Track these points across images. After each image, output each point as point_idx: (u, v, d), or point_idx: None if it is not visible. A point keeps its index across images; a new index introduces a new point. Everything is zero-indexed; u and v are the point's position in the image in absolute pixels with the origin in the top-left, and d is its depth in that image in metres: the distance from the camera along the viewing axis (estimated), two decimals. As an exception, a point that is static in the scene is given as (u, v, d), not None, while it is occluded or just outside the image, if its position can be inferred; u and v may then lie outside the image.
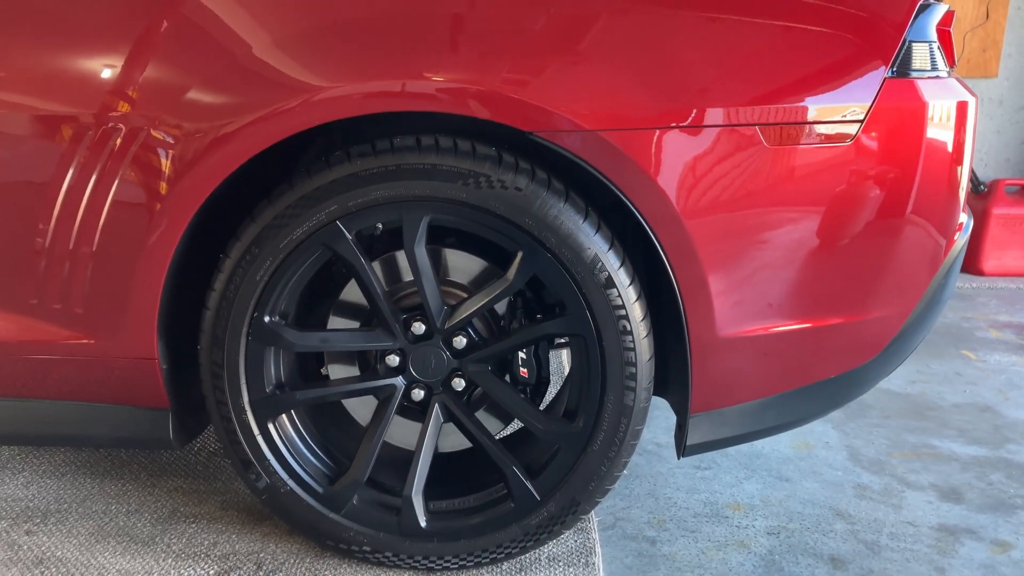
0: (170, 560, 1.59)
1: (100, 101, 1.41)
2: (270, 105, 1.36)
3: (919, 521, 1.80)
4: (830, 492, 1.91)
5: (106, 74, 1.40)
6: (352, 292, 1.59)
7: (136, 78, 1.40)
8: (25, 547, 1.63)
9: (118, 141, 1.41)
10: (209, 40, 1.38)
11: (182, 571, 1.56)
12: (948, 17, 1.56)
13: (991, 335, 2.99)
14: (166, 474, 1.90)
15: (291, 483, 1.54)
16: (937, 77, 1.50)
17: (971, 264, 3.75)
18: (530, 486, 1.52)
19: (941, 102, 1.48)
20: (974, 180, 3.72)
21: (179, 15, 1.40)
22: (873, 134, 1.43)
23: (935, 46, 1.50)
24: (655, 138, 1.37)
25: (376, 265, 1.56)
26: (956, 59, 1.63)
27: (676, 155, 1.38)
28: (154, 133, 1.40)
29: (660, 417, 2.19)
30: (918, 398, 2.44)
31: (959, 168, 1.55)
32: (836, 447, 2.12)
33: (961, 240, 1.66)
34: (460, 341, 1.52)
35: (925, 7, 1.48)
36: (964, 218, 1.68)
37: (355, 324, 1.61)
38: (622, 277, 1.44)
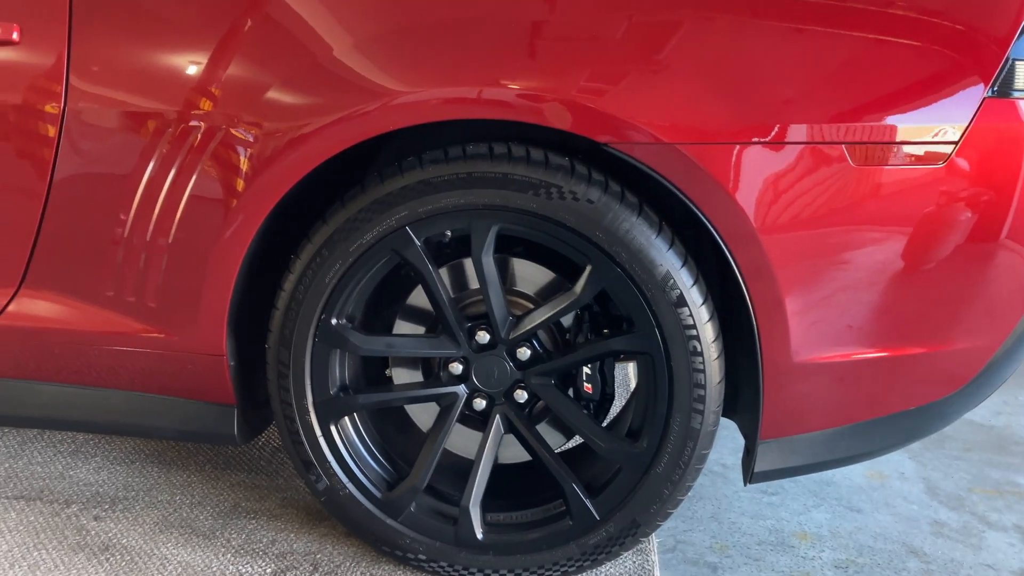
0: (229, 555, 1.61)
1: (184, 98, 1.43)
2: (349, 108, 1.36)
3: (999, 565, 1.71)
4: (904, 527, 1.83)
5: (191, 71, 1.42)
6: (419, 297, 1.58)
7: (219, 76, 1.42)
8: (93, 532, 1.66)
9: (198, 137, 1.42)
10: (292, 41, 1.39)
11: (240, 568, 1.57)
12: (1057, 34, 1.47)
13: (1085, 367, 2.83)
14: (230, 468, 1.92)
15: (350, 486, 1.54)
16: (1041, 98, 1.41)
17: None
18: (590, 504, 1.49)
19: (1044, 124, 1.39)
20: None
21: (263, 15, 1.41)
22: (969, 156, 1.35)
23: (1040, 65, 1.41)
24: (735, 153, 1.33)
25: (443, 272, 1.55)
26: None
27: (756, 171, 1.33)
28: (234, 131, 1.41)
29: (728, 437, 2.13)
30: (1003, 431, 2.32)
31: (1062, 196, 1.46)
32: (912, 479, 2.03)
33: (1060, 269, 1.56)
34: (524, 353, 1.50)
35: (1031, 24, 1.40)
36: (1064, 247, 1.58)
37: (421, 329, 1.61)
38: (695, 296, 1.39)
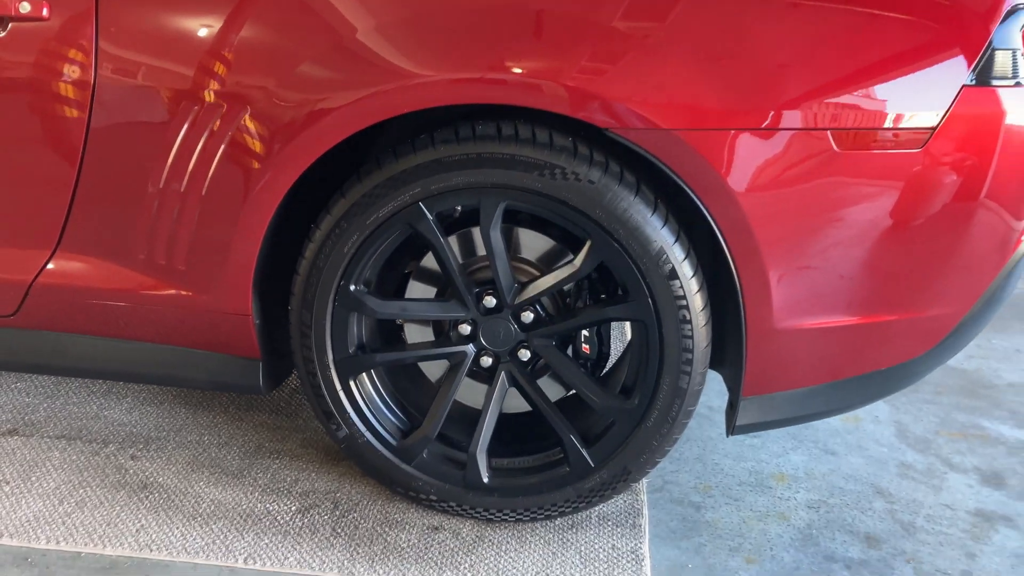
0: (257, 494, 1.77)
1: (211, 69, 1.51)
2: (372, 87, 1.44)
3: (957, 504, 1.88)
4: (873, 469, 1.99)
5: (220, 41, 1.49)
6: (431, 260, 1.69)
7: (250, 46, 1.50)
8: (131, 471, 1.82)
9: (229, 108, 1.51)
10: (323, 21, 1.46)
11: (268, 506, 1.73)
12: (1036, 22, 1.54)
13: (1059, 310, 2.98)
14: (252, 409, 2.07)
15: (368, 435, 1.69)
16: (1018, 85, 1.50)
17: (1049, 230, 3.67)
18: (585, 453, 1.64)
19: (1018, 111, 1.49)
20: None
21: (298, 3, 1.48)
22: (946, 141, 1.45)
23: (1019, 53, 1.49)
24: (728, 139, 1.43)
25: (453, 240, 1.66)
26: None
27: (747, 156, 1.44)
28: (263, 103, 1.49)
29: (715, 381, 2.27)
30: (974, 374, 2.48)
31: (1031, 178, 1.56)
32: (885, 422, 2.19)
33: (1025, 244, 1.67)
34: (528, 316, 1.63)
35: (1012, 13, 1.47)
36: (1033, 221, 1.69)
37: (433, 289, 1.73)
38: (686, 269, 1.51)
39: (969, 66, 1.44)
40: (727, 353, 1.69)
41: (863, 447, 2.07)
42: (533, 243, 1.68)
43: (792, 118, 1.42)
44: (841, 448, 2.07)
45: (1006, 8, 1.46)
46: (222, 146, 1.53)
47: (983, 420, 2.23)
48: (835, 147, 1.44)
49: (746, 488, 1.90)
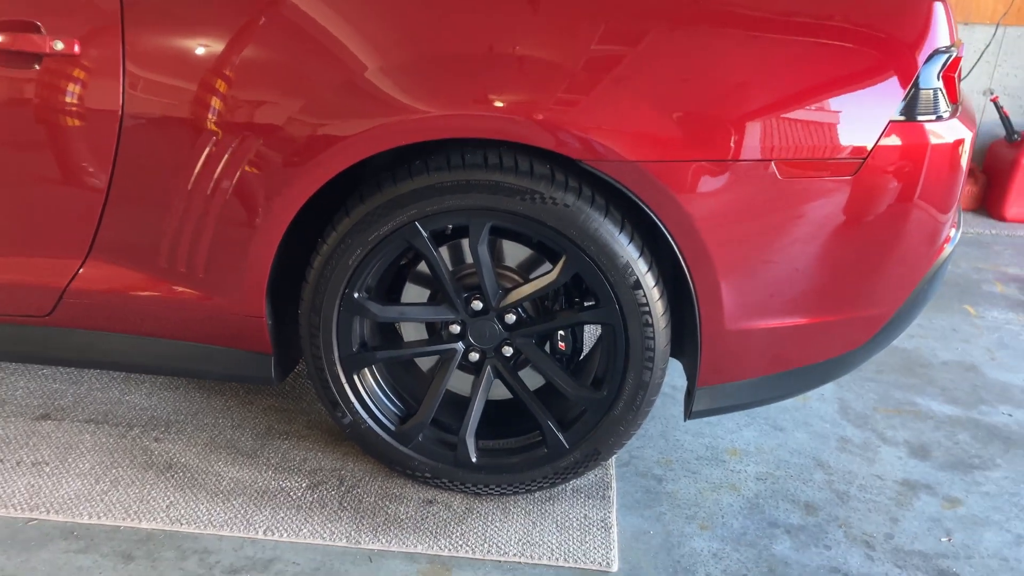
0: (270, 472, 2.00)
1: (228, 100, 1.69)
2: (378, 119, 1.63)
3: (886, 475, 2.14)
4: (816, 443, 2.25)
5: (236, 75, 1.67)
6: (425, 266, 1.90)
7: (266, 80, 1.67)
8: (156, 452, 2.04)
9: (248, 134, 1.69)
10: (336, 61, 1.64)
11: (281, 483, 1.96)
12: (955, 63, 1.75)
13: (996, 289, 3.24)
14: (261, 393, 2.29)
15: (369, 421, 1.92)
16: (939, 119, 1.72)
17: (995, 210, 3.93)
18: (561, 437, 1.88)
19: (939, 142, 1.71)
20: (1008, 129, 3.85)
21: (314, 41, 1.65)
22: (875, 168, 1.67)
23: (939, 91, 1.71)
24: (685, 169, 1.64)
25: (444, 250, 1.87)
26: (959, 98, 1.83)
27: (702, 184, 1.65)
28: (281, 131, 1.67)
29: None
30: (913, 353, 2.74)
31: (951, 197, 1.79)
32: (829, 399, 2.45)
33: (946, 251, 1.90)
34: (510, 318, 1.85)
35: (932, 56, 1.68)
36: (952, 232, 1.92)
37: (427, 292, 1.95)
38: (648, 280, 1.73)
39: (896, 104, 1.66)
40: (685, 347, 1.92)
41: (808, 423, 2.33)
42: (515, 253, 1.90)
43: (740, 151, 1.63)
44: (789, 424, 2.32)
45: (927, 53, 1.67)
46: (241, 168, 1.72)
47: (917, 397, 2.49)
48: (778, 175, 1.65)
49: (703, 462, 2.15)
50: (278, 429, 2.15)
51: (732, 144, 1.63)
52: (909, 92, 1.67)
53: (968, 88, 3.94)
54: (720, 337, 1.80)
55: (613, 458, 2.10)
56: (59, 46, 1.70)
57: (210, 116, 1.70)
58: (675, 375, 2.49)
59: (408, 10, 1.65)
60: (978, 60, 3.84)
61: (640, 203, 1.67)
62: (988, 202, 3.97)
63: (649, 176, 1.64)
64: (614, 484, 2.03)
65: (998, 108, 3.83)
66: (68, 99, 1.73)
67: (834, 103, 1.64)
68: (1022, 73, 3.89)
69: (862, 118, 1.66)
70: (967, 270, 3.40)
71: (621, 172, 1.64)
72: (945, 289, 3.20)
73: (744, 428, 2.29)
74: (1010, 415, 2.42)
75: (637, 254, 1.72)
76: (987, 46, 3.81)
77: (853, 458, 2.20)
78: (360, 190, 1.77)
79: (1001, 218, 3.91)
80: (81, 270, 1.88)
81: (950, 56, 1.73)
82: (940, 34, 1.69)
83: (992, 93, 3.91)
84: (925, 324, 2.92)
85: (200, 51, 1.69)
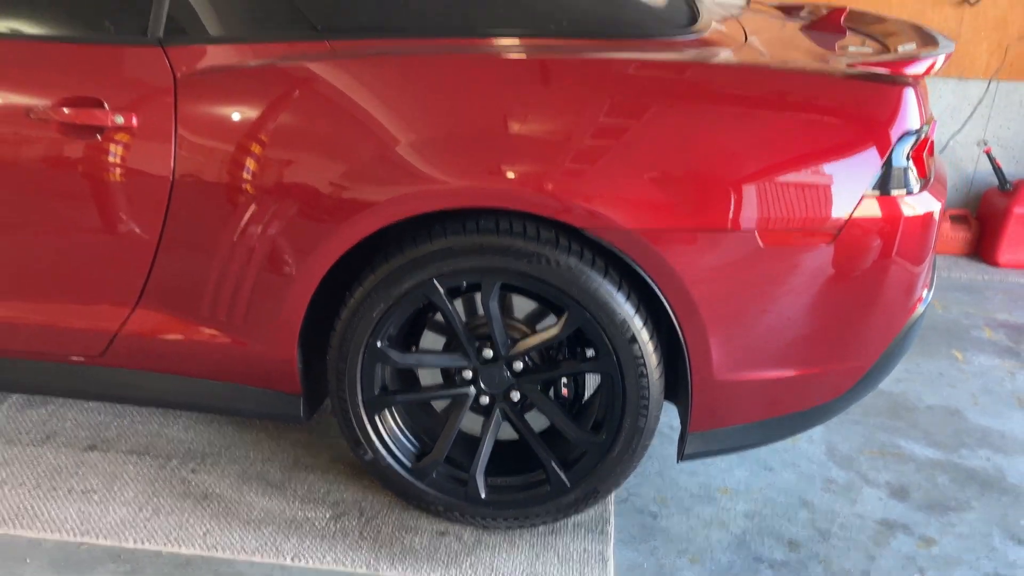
0: (296, 503, 2.18)
1: (274, 166, 1.88)
2: (406, 188, 1.82)
3: (867, 514, 2.30)
4: (803, 483, 2.41)
5: (276, 144, 1.87)
6: (440, 316, 2.09)
7: (305, 151, 1.87)
8: (193, 483, 2.23)
9: (287, 198, 1.88)
10: (370, 135, 1.84)
11: (307, 513, 2.15)
12: (923, 144, 1.93)
13: (985, 335, 3.39)
14: (289, 427, 2.48)
15: (388, 459, 2.10)
16: (909, 193, 1.90)
17: (989, 255, 4.08)
18: (563, 476, 2.05)
19: (910, 213, 1.89)
20: (1001, 178, 4.01)
21: (353, 118, 1.85)
22: (851, 237, 1.85)
23: (908, 169, 1.89)
24: (675, 236, 1.82)
25: (458, 302, 2.06)
26: (928, 173, 2.01)
27: (692, 250, 1.83)
28: (317, 196, 1.86)
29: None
30: (899, 397, 2.90)
31: (922, 262, 1.97)
32: (817, 441, 2.61)
33: (919, 310, 2.07)
34: (518, 365, 2.03)
35: (902, 137, 1.86)
36: (925, 293, 2.09)
37: (442, 339, 2.13)
38: (644, 335, 1.91)
39: (869, 180, 1.84)
40: (680, 393, 2.09)
41: (796, 464, 2.49)
42: (523, 306, 2.08)
43: (725, 221, 1.81)
44: (778, 465, 2.48)
45: (898, 134, 1.85)
46: (281, 226, 1.91)
47: (901, 440, 2.65)
48: (760, 243, 1.84)
49: (696, 499, 2.32)
50: (305, 462, 2.34)
51: (718, 214, 1.81)
52: (881, 169, 1.85)
53: (963, 139, 4.12)
54: (710, 387, 1.97)
55: (612, 495, 2.27)
56: (119, 120, 1.91)
57: (254, 179, 1.89)
58: (673, 415, 2.65)
59: (432, 92, 1.85)
60: (972, 113, 4.02)
61: (635, 266, 1.86)
62: (982, 248, 4.13)
63: (643, 242, 1.82)
64: (612, 520, 2.20)
65: (991, 159, 4.00)
66: (125, 163, 1.93)
67: (812, 178, 1.83)
68: (1015, 125, 4.07)
69: (838, 192, 1.84)
70: (958, 315, 3.56)
71: (618, 238, 1.83)
72: (934, 334, 3.36)
73: (736, 468, 2.46)
74: (988, 459, 2.57)
75: (633, 311, 1.90)
76: (980, 100, 3.99)
77: (836, 498, 2.36)
78: (385, 250, 1.96)
79: (994, 263, 4.07)
80: (131, 316, 2.08)
81: (919, 137, 1.91)
82: (910, 117, 1.87)
83: (986, 144, 4.08)
84: (912, 369, 3.08)
85: (246, 120, 1.89)
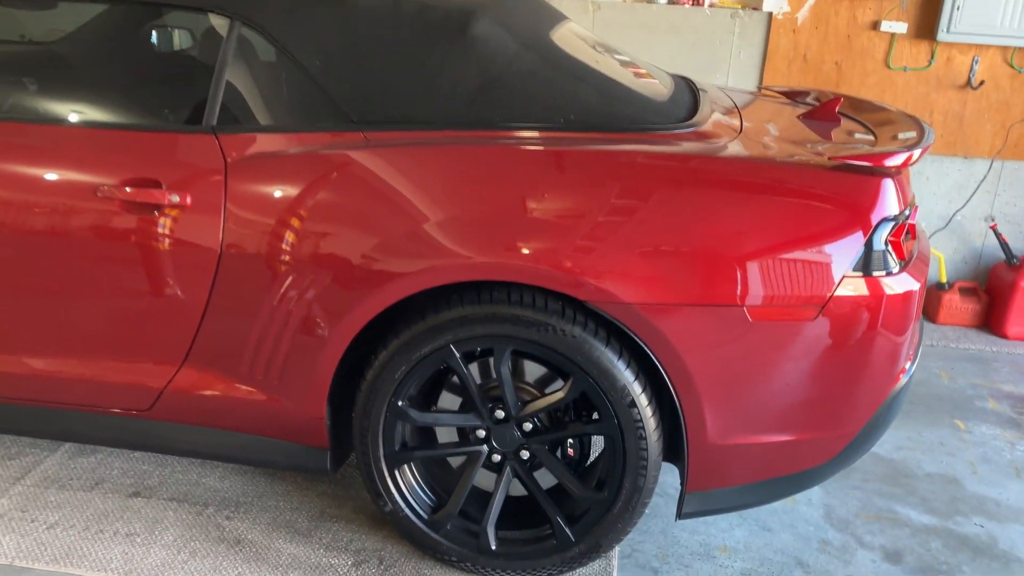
0: (321, 550, 2.35)
1: (310, 240, 2.10)
2: (431, 261, 2.03)
3: (859, 576, 2.42)
4: (799, 544, 2.53)
5: (311, 221, 2.09)
6: (456, 378, 2.28)
7: (339, 228, 2.08)
8: (227, 529, 2.41)
9: (321, 269, 2.09)
10: (400, 214, 2.06)
11: (331, 560, 2.31)
12: (900, 229, 2.10)
13: (988, 406, 3.50)
14: (316, 480, 2.66)
15: (407, 511, 2.27)
16: (888, 274, 2.06)
17: (997, 328, 4.19)
18: (568, 531, 2.21)
19: (889, 292, 2.05)
20: (1007, 253, 4.15)
21: (385, 199, 2.07)
22: (832, 315, 2.02)
23: (887, 252, 2.06)
24: (671, 310, 2.00)
25: (473, 366, 2.24)
26: (908, 255, 2.17)
27: (687, 323, 2.01)
28: (349, 267, 2.07)
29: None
30: (899, 464, 3.01)
31: (902, 337, 2.12)
32: (816, 504, 2.73)
33: (903, 381, 2.22)
34: (528, 426, 2.20)
35: (880, 223, 2.04)
36: (908, 365, 2.24)
37: (459, 399, 2.32)
38: (642, 400, 2.08)
39: (850, 262, 2.01)
40: (679, 451, 2.25)
41: (794, 525, 2.62)
42: (533, 370, 2.26)
43: (718, 297, 1.99)
44: (776, 525, 2.61)
45: (876, 220, 2.03)
46: (316, 293, 2.12)
47: (897, 505, 2.77)
48: (749, 317, 2.01)
49: (695, 557, 2.45)
50: (330, 512, 2.51)
51: (710, 291, 1.99)
52: (862, 252, 2.03)
53: (970, 214, 4.27)
54: (705, 449, 2.13)
55: (616, 549, 2.42)
56: (175, 199, 2.15)
57: (294, 251, 2.11)
58: (674, 476, 2.79)
59: (455, 177, 2.07)
60: (976, 190, 4.18)
61: (635, 336, 2.03)
62: (991, 320, 4.24)
63: (642, 315, 2.00)
64: (616, 574, 2.34)
65: (997, 234, 4.14)
66: (178, 237, 2.16)
67: (797, 260, 2.00)
68: (1020, 202, 4.21)
69: (821, 272, 2.01)
70: (963, 386, 3.67)
71: (619, 311, 2.01)
72: (939, 403, 3.47)
73: (736, 527, 2.59)
74: (982, 526, 2.68)
75: (632, 378, 2.07)
76: (984, 178, 4.15)
77: (831, 559, 2.48)
78: (406, 317, 2.16)
79: (1003, 335, 4.17)
80: (177, 374, 2.29)
81: (897, 222, 2.08)
82: (888, 205, 2.05)
83: (992, 220, 4.23)
84: (914, 437, 3.19)
85: (288, 200, 2.12)
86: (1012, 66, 4.00)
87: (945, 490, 2.87)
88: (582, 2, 4.19)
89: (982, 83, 4.03)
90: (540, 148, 2.10)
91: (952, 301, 4.26)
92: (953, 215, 4.26)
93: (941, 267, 4.28)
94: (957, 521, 2.70)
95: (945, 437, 3.22)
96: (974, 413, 3.43)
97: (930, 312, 4.34)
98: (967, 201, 4.22)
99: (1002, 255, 4.24)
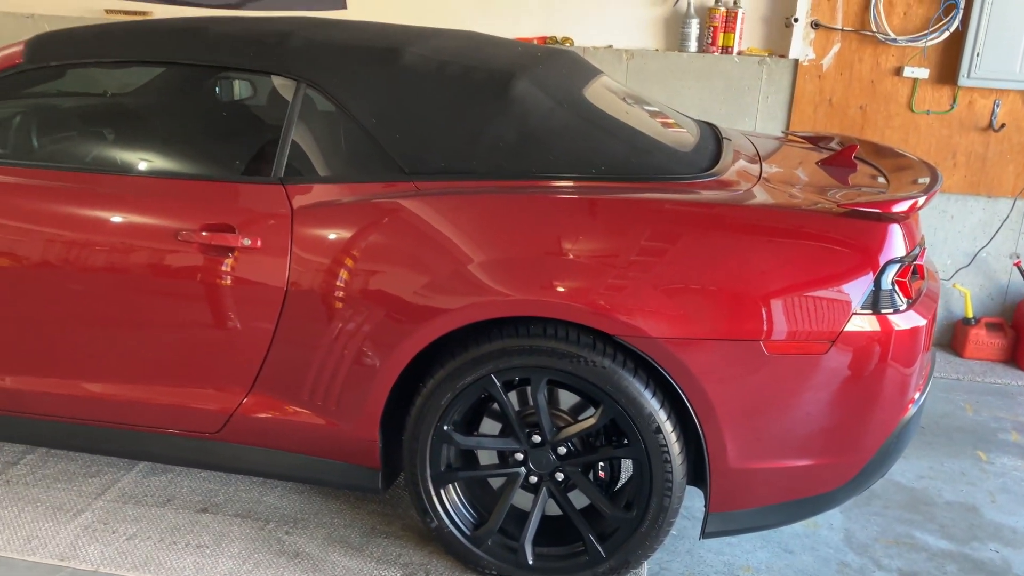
0: (373, 563, 2.56)
1: (367, 278, 2.34)
2: (474, 298, 2.25)
3: (876, 596, 2.56)
4: (819, 565, 2.68)
5: (365, 261, 2.33)
6: (496, 405, 2.49)
7: (393, 267, 2.32)
8: (287, 543, 2.64)
9: (377, 305, 2.33)
10: (445, 255, 2.29)
11: (382, 572, 2.52)
12: (906, 269, 2.28)
13: (1011, 438, 3.61)
14: (366, 499, 2.88)
15: (451, 527, 2.47)
16: (895, 311, 2.24)
17: (1023, 362, 4.30)
18: (599, 547, 2.39)
19: (895, 329, 2.23)
20: (1032, 291, 4.26)
21: (433, 242, 2.31)
22: (843, 349, 2.20)
23: (894, 291, 2.24)
24: (693, 344, 2.19)
25: (512, 394, 2.46)
26: (915, 293, 2.34)
27: (708, 356, 2.20)
28: (402, 303, 2.30)
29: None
30: (920, 493, 3.14)
31: (910, 369, 2.29)
32: (837, 528, 2.88)
33: (912, 410, 2.38)
34: (562, 450, 2.40)
35: (887, 265, 2.22)
36: (917, 395, 2.40)
37: (498, 424, 2.53)
38: (667, 427, 2.27)
39: (859, 300, 2.19)
40: (702, 478, 2.42)
41: (815, 548, 2.77)
42: (566, 398, 2.47)
43: (736, 333, 2.19)
44: (798, 548, 2.76)
45: (884, 262, 2.21)
46: (371, 327, 2.36)
47: (916, 531, 2.90)
48: (766, 352, 2.20)
49: (721, 575, 2.62)
50: (380, 529, 2.72)
51: (729, 327, 2.18)
52: (870, 290, 2.21)
53: (995, 252, 4.40)
54: (726, 473, 2.31)
55: (645, 567, 2.59)
56: (247, 242, 2.40)
57: (351, 288, 2.35)
58: (700, 501, 2.96)
59: (497, 222, 2.29)
60: (1000, 228, 4.31)
61: (661, 368, 2.23)
62: (1017, 355, 4.34)
63: (667, 348, 2.20)
64: (644, 589, 2.52)
65: (1021, 271, 4.26)
66: (249, 275, 2.42)
67: (809, 298, 2.19)
68: (1045, 242, 4.33)
69: (831, 309, 2.20)
70: (987, 418, 3.78)
71: (646, 345, 2.21)
72: (961, 435, 3.59)
73: (758, 549, 2.74)
74: (997, 552, 2.80)
75: (658, 406, 2.27)
76: (1007, 217, 4.29)
77: (850, 580, 2.63)
78: (450, 349, 2.38)
79: (1029, 370, 4.27)
80: (245, 399, 2.53)
81: (904, 264, 2.26)
82: (895, 247, 2.23)
83: (1017, 257, 4.35)
84: (936, 466, 3.32)
85: (346, 244, 2.36)
86: (1032, 109, 4.15)
87: (963, 517, 3.00)
88: (615, 52, 4.43)
89: (1003, 126, 4.18)
90: (573, 196, 2.32)
91: (979, 336, 4.37)
92: (978, 252, 4.39)
93: (967, 303, 4.40)
94: (973, 547, 2.83)
95: (966, 467, 3.34)
96: (996, 445, 3.54)
97: (957, 347, 4.45)
98: (991, 239, 4.35)
99: (1027, 291, 4.35)
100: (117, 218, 2.49)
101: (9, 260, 2.53)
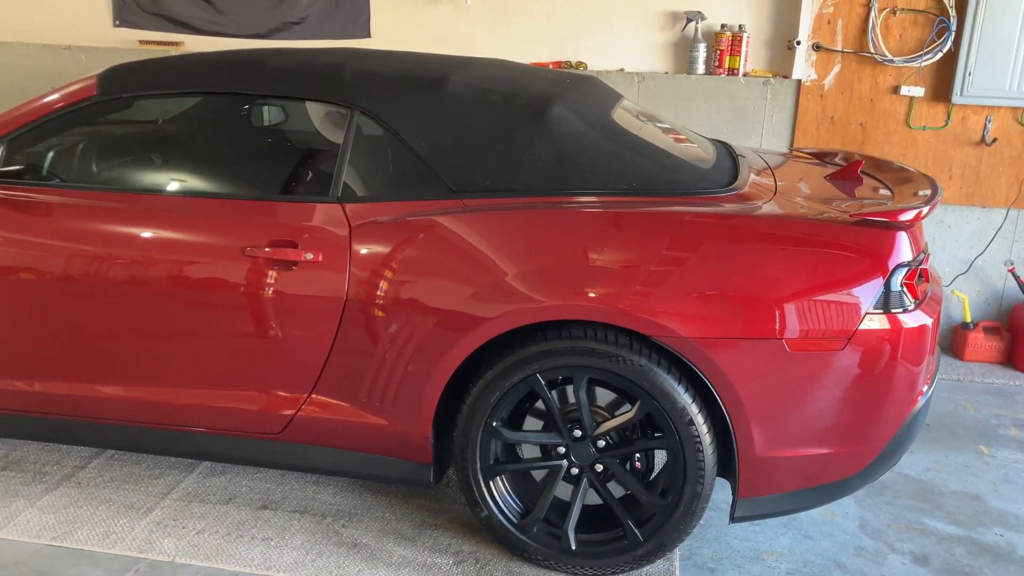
0: (425, 552, 2.77)
1: (418, 290, 2.56)
2: (513, 305, 2.47)
3: None
4: (837, 549, 2.89)
5: (413, 275, 2.55)
6: (540, 404, 2.71)
7: (439, 280, 2.54)
8: (344, 535, 2.84)
9: (429, 313, 2.54)
10: (489, 267, 2.51)
11: (435, 559, 2.73)
12: (913, 273, 2.51)
13: (1011, 433, 3.83)
14: (416, 494, 3.08)
15: (499, 516, 2.68)
16: (904, 311, 2.47)
17: (1020, 363, 4.51)
18: (637, 532, 2.60)
19: (904, 327, 2.45)
20: (1028, 294, 4.49)
21: (477, 254, 2.53)
22: (858, 345, 2.42)
23: (903, 292, 2.46)
24: (722, 343, 2.42)
25: (554, 393, 2.67)
26: (921, 295, 2.56)
27: (736, 354, 2.42)
28: (452, 313, 2.51)
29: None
30: (927, 484, 3.36)
31: (919, 365, 2.51)
32: (852, 517, 3.09)
33: (920, 403, 2.60)
34: (601, 443, 2.62)
35: (896, 268, 2.45)
36: (925, 388, 2.63)
37: (540, 421, 2.74)
38: (699, 420, 2.49)
39: (871, 301, 2.42)
40: (729, 469, 2.64)
41: (833, 534, 2.98)
42: (605, 395, 2.69)
43: (760, 332, 2.41)
44: (817, 534, 2.97)
45: (893, 266, 2.44)
46: (422, 336, 2.57)
47: (925, 518, 3.11)
48: (787, 349, 2.42)
49: (747, 559, 2.82)
50: (429, 521, 2.93)
51: (754, 327, 2.41)
52: (881, 292, 2.43)
53: (991, 259, 4.64)
54: (753, 462, 2.52)
55: (678, 552, 2.80)
56: (309, 256, 2.63)
57: (405, 300, 2.57)
58: (726, 493, 3.17)
59: (536, 235, 2.52)
60: (994, 236, 4.55)
61: (692, 366, 2.45)
62: (1014, 356, 4.57)
63: (697, 347, 2.42)
64: (678, 573, 2.72)
65: (1016, 277, 4.50)
66: (310, 287, 2.64)
67: (826, 300, 2.42)
68: (1048, 245, 4.57)
69: (847, 311, 2.42)
70: (987, 416, 4.00)
71: (678, 344, 2.44)
72: (964, 431, 3.81)
73: (781, 535, 2.95)
74: (1002, 535, 3.02)
75: (691, 400, 2.48)
76: (1001, 226, 4.53)
77: (866, 562, 2.83)
78: (500, 351, 2.60)
79: (1025, 371, 4.50)
80: (306, 401, 2.74)
81: (911, 267, 2.49)
82: (903, 252, 2.47)
83: (1011, 264, 4.59)
84: (941, 460, 3.54)
85: (400, 258, 2.58)
86: (1022, 124, 4.40)
87: (969, 505, 3.21)
88: (627, 76, 4.68)
89: (995, 140, 4.43)
90: (607, 210, 2.55)
91: (977, 339, 4.60)
92: (974, 260, 4.63)
93: (965, 308, 4.63)
94: (979, 531, 3.04)
95: (970, 460, 3.56)
96: (997, 439, 3.76)
97: (957, 350, 4.68)
98: (986, 247, 4.59)
99: (1021, 296, 4.59)
100: (187, 237, 2.71)
101: (91, 275, 2.75)
